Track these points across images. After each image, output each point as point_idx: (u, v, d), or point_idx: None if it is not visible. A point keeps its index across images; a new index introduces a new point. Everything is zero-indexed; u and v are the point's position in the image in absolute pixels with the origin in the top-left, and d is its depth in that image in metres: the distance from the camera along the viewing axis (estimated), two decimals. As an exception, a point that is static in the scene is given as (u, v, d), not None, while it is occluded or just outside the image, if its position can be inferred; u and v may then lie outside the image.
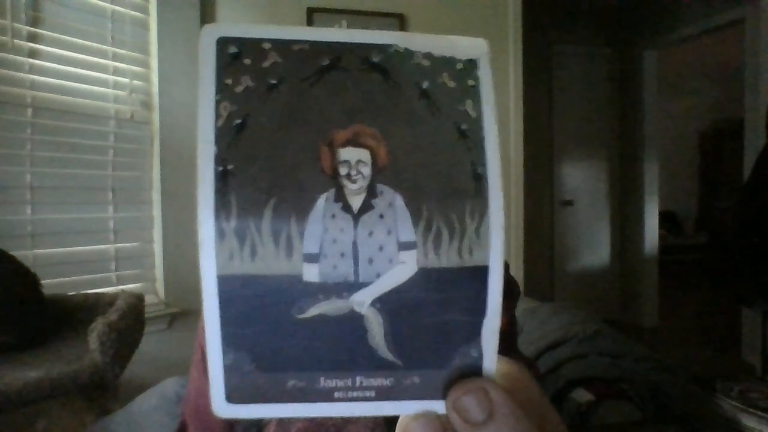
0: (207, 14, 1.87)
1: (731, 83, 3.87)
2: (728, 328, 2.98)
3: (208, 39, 0.18)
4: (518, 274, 2.35)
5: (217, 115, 0.17)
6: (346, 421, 0.55)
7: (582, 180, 3.56)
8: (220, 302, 0.17)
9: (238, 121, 0.17)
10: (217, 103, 0.17)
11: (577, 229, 3.54)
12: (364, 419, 0.54)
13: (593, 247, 3.58)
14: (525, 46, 2.32)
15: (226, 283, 0.17)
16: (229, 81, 0.17)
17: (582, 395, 1.13)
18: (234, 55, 0.18)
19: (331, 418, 0.55)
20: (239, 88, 0.17)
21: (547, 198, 3.46)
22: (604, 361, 1.24)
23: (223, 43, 0.18)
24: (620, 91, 3.57)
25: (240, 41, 0.18)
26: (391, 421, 0.59)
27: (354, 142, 0.18)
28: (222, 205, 0.17)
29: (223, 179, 0.17)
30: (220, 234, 0.17)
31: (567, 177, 3.52)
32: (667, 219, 5.17)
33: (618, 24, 3.53)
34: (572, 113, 3.48)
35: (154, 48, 1.74)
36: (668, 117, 4.92)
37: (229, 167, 0.17)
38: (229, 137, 0.17)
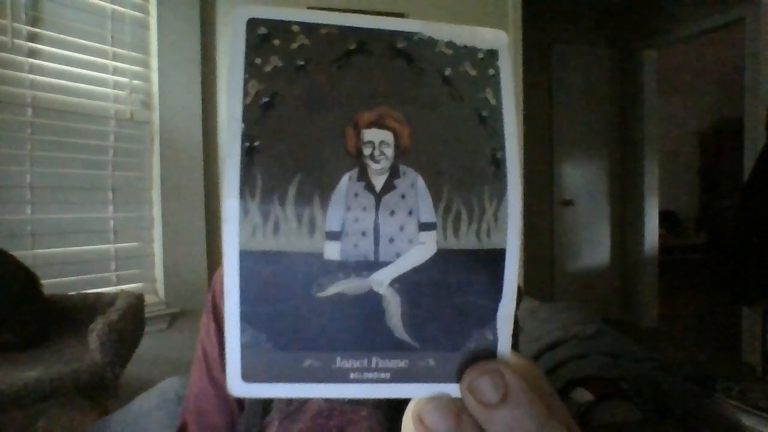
0: (207, 14, 1.87)
1: (731, 83, 3.87)
2: (728, 328, 2.98)
3: (239, 20, 0.18)
4: (518, 273, 2.35)
5: (245, 93, 0.17)
6: (348, 422, 0.55)
7: (582, 180, 3.56)
8: (240, 278, 0.17)
9: (266, 99, 0.17)
10: (246, 81, 0.17)
11: (577, 229, 3.54)
12: (366, 421, 0.54)
13: (593, 247, 3.58)
14: (525, 46, 2.33)
15: (247, 259, 0.17)
16: (258, 61, 0.18)
17: (582, 395, 1.12)
18: (263, 36, 0.18)
19: (333, 419, 0.55)
20: (268, 68, 0.18)
21: (547, 198, 3.46)
22: (604, 361, 1.24)
23: (253, 24, 0.18)
24: (620, 91, 3.57)
25: (270, 23, 0.18)
26: (392, 420, 0.59)
27: (378, 123, 0.18)
28: (247, 181, 0.17)
29: (249, 155, 0.17)
30: (244, 209, 0.17)
31: (567, 177, 3.53)
32: (667, 219, 5.16)
33: (618, 24, 3.53)
34: (572, 113, 3.49)
35: (154, 48, 1.74)
36: (668, 117, 4.92)
37: (256, 144, 0.17)
38: (256, 115, 0.17)
